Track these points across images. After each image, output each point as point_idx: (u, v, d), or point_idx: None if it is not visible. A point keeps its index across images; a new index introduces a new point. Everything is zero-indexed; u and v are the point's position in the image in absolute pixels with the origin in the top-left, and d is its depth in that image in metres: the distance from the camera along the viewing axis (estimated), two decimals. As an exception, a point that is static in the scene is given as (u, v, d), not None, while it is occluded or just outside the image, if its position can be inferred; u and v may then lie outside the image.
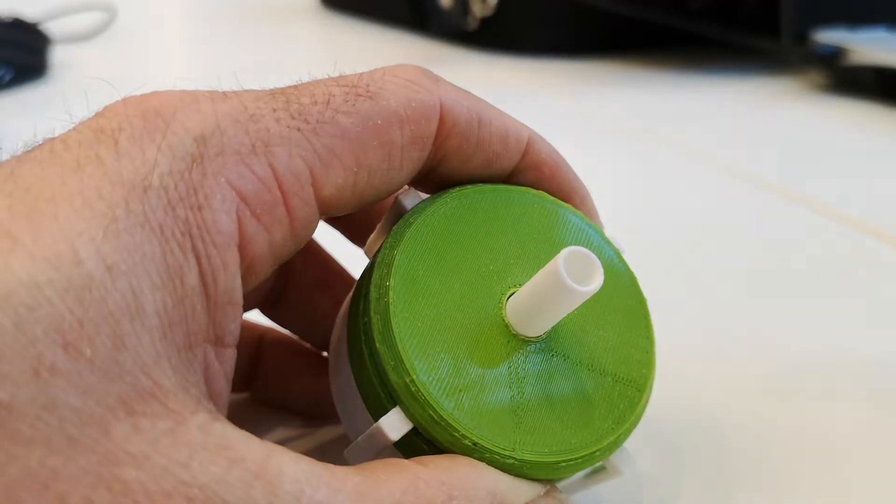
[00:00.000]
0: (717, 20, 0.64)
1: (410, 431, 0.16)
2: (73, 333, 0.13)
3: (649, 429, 0.23)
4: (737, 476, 0.22)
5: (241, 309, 0.16)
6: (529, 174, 0.19)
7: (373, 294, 0.17)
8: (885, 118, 0.55)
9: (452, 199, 0.18)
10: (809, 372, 0.27)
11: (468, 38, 0.72)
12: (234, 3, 0.96)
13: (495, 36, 0.71)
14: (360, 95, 0.17)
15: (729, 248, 0.36)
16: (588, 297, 0.16)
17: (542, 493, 0.17)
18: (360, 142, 0.16)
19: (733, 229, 0.39)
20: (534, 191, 0.19)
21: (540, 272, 0.17)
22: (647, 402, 0.18)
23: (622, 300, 0.19)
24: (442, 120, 0.18)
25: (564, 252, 0.16)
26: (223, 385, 0.16)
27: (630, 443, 0.18)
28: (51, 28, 0.63)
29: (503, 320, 0.17)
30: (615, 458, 0.18)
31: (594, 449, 0.17)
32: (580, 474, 0.18)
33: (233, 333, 0.16)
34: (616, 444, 0.17)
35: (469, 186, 0.19)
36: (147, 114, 0.15)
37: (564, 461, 0.17)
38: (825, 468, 0.22)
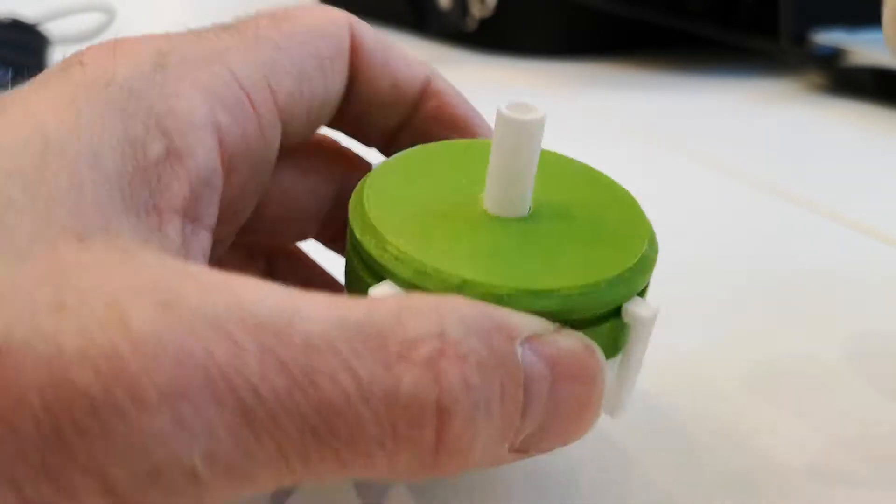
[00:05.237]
0: (716, 21, 0.64)
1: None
2: (33, 175, 0.14)
3: (651, 432, 0.23)
4: (739, 481, 0.22)
5: (220, 196, 0.16)
6: (433, 101, 0.21)
7: (351, 216, 0.17)
8: (883, 119, 0.55)
9: (415, 149, 0.19)
10: (811, 373, 0.27)
11: (467, 38, 0.72)
12: (234, 5, 0.96)
13: (494, 37, 0.71)
14: (282, 20, 0.19)
15: (727, 248, 0.37)
16: (535, 126, 0.17)
17: (552, 330, 0.15)
18: (294, 53, 0.18)
19: (732, 229, 0.39)
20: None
21: (492, 143, 0.17)
22: (650, 252, 0.18)
23: (606, 195, 0.20)
24: (353, 35, 0.19)
25: (503, 104, 0.17)
26: (200, 260, 0.16)
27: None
28: (50, 29, 0.63)
29: (481, 207, 0.18)
30: (633, 305, 0.17)
31: (600, 279, 0.16)
32: (605, 363, 0.16)
33: (210, 216, 0.16)
34: (623, 280, 0.17)
35: (429, 144, 0.20)
36: (108, 44, 0.17)
37: (568, 288, 0.16)
38: (828, 472, 0.22)
